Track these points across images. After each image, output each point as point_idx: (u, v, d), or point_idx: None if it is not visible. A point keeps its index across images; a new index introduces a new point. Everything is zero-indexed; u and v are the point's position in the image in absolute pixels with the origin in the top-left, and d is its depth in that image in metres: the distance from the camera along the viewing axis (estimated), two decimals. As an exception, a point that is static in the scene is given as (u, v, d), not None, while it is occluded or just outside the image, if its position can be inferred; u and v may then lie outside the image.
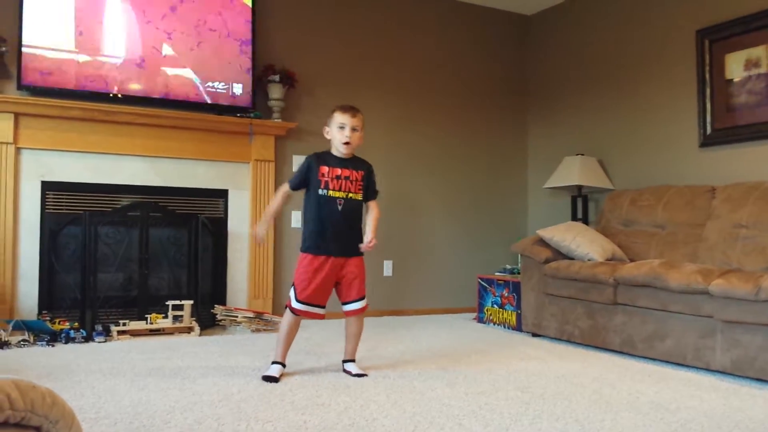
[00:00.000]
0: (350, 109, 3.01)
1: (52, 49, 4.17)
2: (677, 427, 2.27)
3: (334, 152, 3.05)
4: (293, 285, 3.01)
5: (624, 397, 2.69)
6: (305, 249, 3.02)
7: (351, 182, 3.01)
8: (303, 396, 2.62)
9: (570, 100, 5.52)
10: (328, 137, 3.07)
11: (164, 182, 4.56)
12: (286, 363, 3.02)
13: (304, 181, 3.03)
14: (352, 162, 3.06)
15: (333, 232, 2.98)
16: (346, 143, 2.98)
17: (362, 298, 3.06)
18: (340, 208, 2.98)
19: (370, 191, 3.11)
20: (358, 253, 3.06)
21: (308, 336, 4.14)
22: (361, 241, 3.04)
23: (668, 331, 3.38)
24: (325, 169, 2.99)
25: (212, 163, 4.71)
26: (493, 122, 5.85)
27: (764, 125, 4.01)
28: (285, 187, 3.08)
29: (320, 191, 2.97)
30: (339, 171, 3.00)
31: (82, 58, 4.24)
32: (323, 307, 3.02)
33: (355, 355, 3.15)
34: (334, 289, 3.07)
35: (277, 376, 2.90)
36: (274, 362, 2.99)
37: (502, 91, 5.90)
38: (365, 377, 2.99)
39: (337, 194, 2.98)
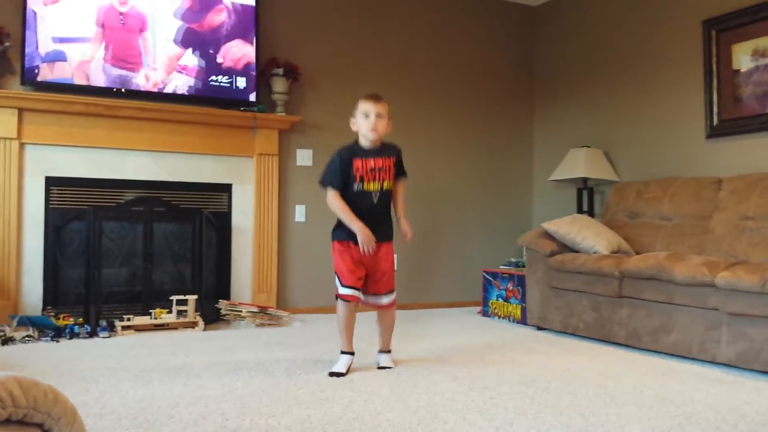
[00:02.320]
0: (374, 96, 2.98)
1: (56, 44, 4.16)
2: (682, 420, 2.26)
3: (363, 142, 2.99)
4: (336, 273, 2.99)
5: (629, 391, 2.68)
6: (336, 237, 3.00)
7: (385, 172, 2.97)
8: (307, 390, 2.62)
9: (575, 91, 5.50)
10: (354, 129, 3.02)
11: (168, 177, 4.56)
12: (354, 351, 3.03)
13: (345, 176, 2.94)
14: (384, 149, 3.01)
15: (369, 223, 2.93)
16: (373, 130, 2.93)
17: (391, 292, 3.06)
18: (375, 200, 2.96)
19: (399, 172, 3.09)
20: (389, 238, 3.05)
21: (312, 330, 4.14)
22: (391, 223, 3.07)
23: (674, 324, 3.37)
24: (359, 162, 2.93)
25: (216, 158, 4.70)
26: (498, 114, 5.82)
27: (771, 116, 3.98)
28: (333, 193, 2.95)
29: (356, 186, 2.93)
30: (373, 162, 2.94)
31: (86, 52, 4.23)
32: (362, 290, 2.99)
33: (390, 345, 3.15)
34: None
35: (344, 371, 2.89)
36: (343, 352, 2.99)
37: (507, 82, 5.88)
38: (389, 369, 3.01)
39: (373, 187, 2.95)
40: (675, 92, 4.62)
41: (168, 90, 4.46)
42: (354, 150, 2.97)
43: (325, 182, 2.98)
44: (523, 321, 4.53)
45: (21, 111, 4.14)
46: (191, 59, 4.53)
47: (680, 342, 3.33)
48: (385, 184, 2.98)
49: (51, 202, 4.25)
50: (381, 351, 3.15)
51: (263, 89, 4.80)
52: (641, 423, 2.23)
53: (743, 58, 4.15)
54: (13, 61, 4.15)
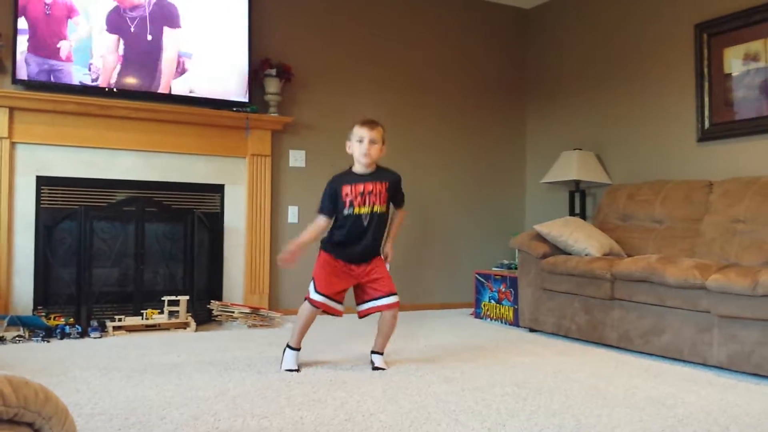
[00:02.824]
0: (369, 123, 3.03)
1: (48, 43, 4.14)
2: (674, 422, 2.27)
3: (357, 167, 3.06)
4: (313, 279, 3.06)
5: (621, 393, 2.68)
6: (324, 248, 3.09)
7: (375, 195, 3.01)
8: (299, 392, 2.61)
9: (568, 94, 5.51)
10: (350, 152, 3.08)
11: (160, 177, 4.54)
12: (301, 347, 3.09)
13: (336, 205, 3.04)
14: (376, 174, 3.06)
15: (358, 246, 3.03)
16: (366, 155, 2.99)
17: (393, 294, 3.10)
18: (365, 223, 3.01)
19: (397, 199, 3.15)
20: (375, 255, 3.12)
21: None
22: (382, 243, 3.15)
23: (665, 327, 3.38)
24: (347, 188, 3.01)
25: (208, 158, 4.69)
26: (490, 117, 5.83)
27: (762, 120, 4.00)
28: (321, 220, 3.06)
29: (346, 211, 3.00)
30: (362, 187, 3.01)
31: (78, 51, 4.22)
32: (341, 303, 3.07)
33: (385, 349, 3.19)
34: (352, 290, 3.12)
35: (296, 367, 2.99)
36: (291, 347, 3.05)
37: (499, 85, 5.89)
38: (383, 371, 3.04)
39: (363, 210, 3.00)
40: (667, 95, 4.64)
41: (160, 90, 4.43)
42: (344, 178, 3.06)
43: (320, 208, 3.08)
44: (515, 323, 4.54)
45: (12, 110, 4.11)
46: (184, 59, 4.51)
47: (672, 344, 3.34)
48: (376, 208, 3.02)
49: (42, 202, 4.22)
50: (375, 352, 3.16)
51: (256, 90, 4.78)
52: (633, 425, 2.24)
53: (735, 62, 4.17)
54: (5, 60, 4.13)
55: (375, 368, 3.05)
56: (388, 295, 3.08)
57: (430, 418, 2.27)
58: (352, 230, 3.01)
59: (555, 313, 4.07)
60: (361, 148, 2.99)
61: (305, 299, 3.07)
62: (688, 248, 3.90)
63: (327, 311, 3.04)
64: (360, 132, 3.00)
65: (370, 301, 3.09)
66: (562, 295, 4.02)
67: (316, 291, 3.01)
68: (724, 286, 3.04)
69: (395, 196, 3.13)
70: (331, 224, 3.08)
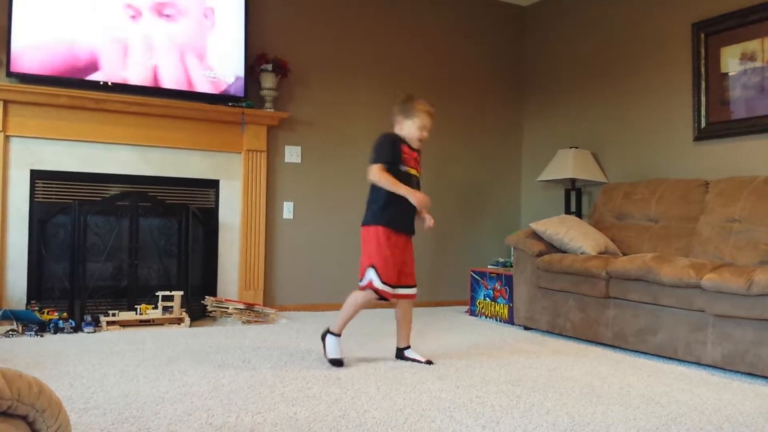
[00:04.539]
0: (432, 114, 3.16)
1: (42, 37, 4.11)
2: (668, 421, 2.27)
3: (406, 141, 3.15)
4: (373, 266, 3.00)
5: (615, 391, 2.69)
6: (385, 223, 3.04)
7: (418, 163, 3.18)
8: (293, 388, 2.61)
9: (565, 92, 5.51)
10: (398, 127, 3.15)
11: (154, 172, 4.52)
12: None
13: (395, 155, 3.07)
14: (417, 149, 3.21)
15: (410, 210, 3.09)
16: (420, 140, 3.13)
17: (415, 285, 3.16)
18: (414, 186, 3.10)
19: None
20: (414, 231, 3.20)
21: (299, 328, 4.13)
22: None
23: (660, 325, 3.39)
24: (406, 148, 3.11)
25: (203, 153, 4.68)
26: (487, 114, 5.83)
27: (759, 119, 4.01)
28: (380, 166, 3.02)
29: (402, 167, 3.07)
30: (414, 153, 3.15)
31: (73, 45, 4.19)
32: (413, 286, 3.12)
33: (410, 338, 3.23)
34: None
35: (341, 356, 3.03)
36: (331, 333, 3.09)
37: (496, 83, 5.88)
38: (432, 365, 3.09)
39: (414, 173, 3.12)
40: (663, 94, 4.64)
41: (155, 84, 4.42)
42: (401, 138, 3.14)
43: (378, 159, 3.04)
44: (510, 321, 4.54)
45: (6, 103, 4.09)
46: (179, 53, 4.49)
47: (666, 343, 3.35)
48: (418, 174, 3.16)
49: (36, 196, 4.20)
50: (405, 348, 3.20)
51: (252, 85, 4.77)
52: (627, 423, 2.24)
53: (732, 61, 4.18)
54: (-1, 52, 4.11)
55: (414, 360, 3.12)
56: (413, 286, 3.15)
57: (424, 415, 2.27)
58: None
59: (550, 312, 4.08)
60: (420, 133, 3.12)
61: (366, 287, 3.01)
62: (683, 247, 3.90)
63: (400, 298, 3.10)
64: (425, 120, 3.12)
65: (400, 287, 3.08)
66: (557, 293, 4.02)
67: (383, 282, 2.99)
68: (719, 286, 3.05)
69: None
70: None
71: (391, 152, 3.05)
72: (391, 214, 3.04)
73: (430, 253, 5.52)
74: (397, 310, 3.18)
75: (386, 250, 3.00)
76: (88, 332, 3.76)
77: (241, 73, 4.68)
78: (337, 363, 3.01)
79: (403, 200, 3.03)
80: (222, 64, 4.62)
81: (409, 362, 3.14)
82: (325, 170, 5.08)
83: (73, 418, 2.11)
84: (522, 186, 5.97)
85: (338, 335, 3.09)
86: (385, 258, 2.99)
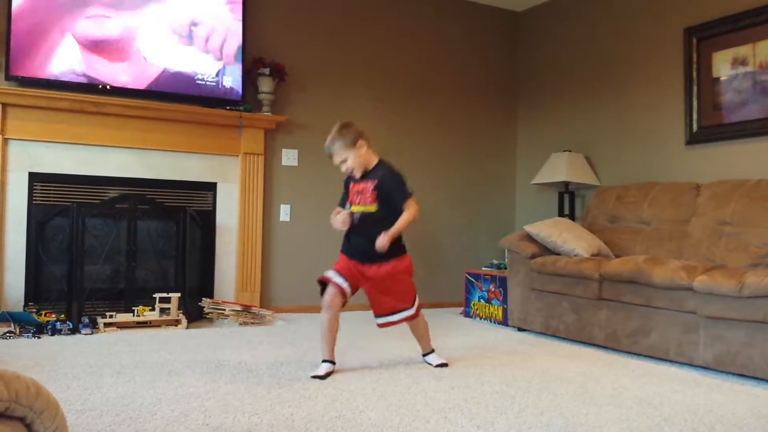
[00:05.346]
0: (328, 153, 3.01)
1: (42, 40, 4.13)
2: (660, 422, 2.30)
3: None
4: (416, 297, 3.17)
5: (608, 392, 2.71)
6: (341, 249, 3.13)
7: (363, 196, 2.99)
8: (290, 389, 2.63)
9: (558, 96, 5.54)
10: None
11: (152, 174, 4.55)
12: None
13: (345, 198, 3.13)
14: (370, 173, 3.02)
15: (354, 242, 3.04)
16: (347, 170, 3.03)
17: (398, 311, 3.08)
18: (355, 222, 2.99)
19: (393, 197, 2.97)
20: (383, 258, 2.98)
21: (295, 330, 4.15)
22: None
23: (652, 327, 3.42)
24: (351, 185, 3.08)
25: (201, 156, 4.70)
26: (481, 118, 5.86)
27: (750, 123, 4.05)
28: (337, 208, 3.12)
29: (346, 206, 3.07)
30: (359, 186, 3.02)
31: (72, 49, 4.21)
32: (346, 280, 2.99)
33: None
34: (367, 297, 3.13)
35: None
36: (426, 354, 3.23)
37: (490, 87, 5.91)
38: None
39: (355, 209, 3.01)
40: (656, 98, 4.68)
41: (154, 88, 4.44)
42: (353, 174, 3.06)
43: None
44: (504, 322, 4.56)
45: (5, 106, 4.10)
46: (178, 57, 4.52)
47: (658, 344, 3.38)
48: (365, 208, 2.97)
49: (34, 198, 4.22)
50: (425, 354, 3.23)
51: (249, 89, 4.79)
52: (620, 423, 2.27)
53: (723, 66, 4.21)
54: (-2, 55, 4.13)
55: (437, 365, 3.14)
56: (393, 313, 3.08)
57: (419, 416, 2.30)
58: (352, 227, 3.01)
59: (543, 313, 4.10)
60: (343, 167, 3.04)
61: (416, 313, 3.13)
62: (675, 249, 3.93)
63: (328, 281, 3.02)
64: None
65: (379, 317, 3.10)
66: (551, 295, 4.05)
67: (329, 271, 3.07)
68: (711, 287, 3.08)
69: (389, 195, 2.96)
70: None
71: (342, 194, 3.14)
72: (343, 243, 3.11)
73: (425, 255, 5.54)
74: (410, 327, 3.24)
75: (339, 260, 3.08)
76: (86, 334, 3.77)
77: (239, 77, 4.70)
78: (443, 365, 3.14)
79: (348, 233, 3.05)
80: (219, 68, 4.65)
81: (405, 363, 3.18)
82: (322, 173, 5.10)
83: (71, 420, 2.13)
84: (516, 189, 6.00)
85: (432, 350, 3.23)
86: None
